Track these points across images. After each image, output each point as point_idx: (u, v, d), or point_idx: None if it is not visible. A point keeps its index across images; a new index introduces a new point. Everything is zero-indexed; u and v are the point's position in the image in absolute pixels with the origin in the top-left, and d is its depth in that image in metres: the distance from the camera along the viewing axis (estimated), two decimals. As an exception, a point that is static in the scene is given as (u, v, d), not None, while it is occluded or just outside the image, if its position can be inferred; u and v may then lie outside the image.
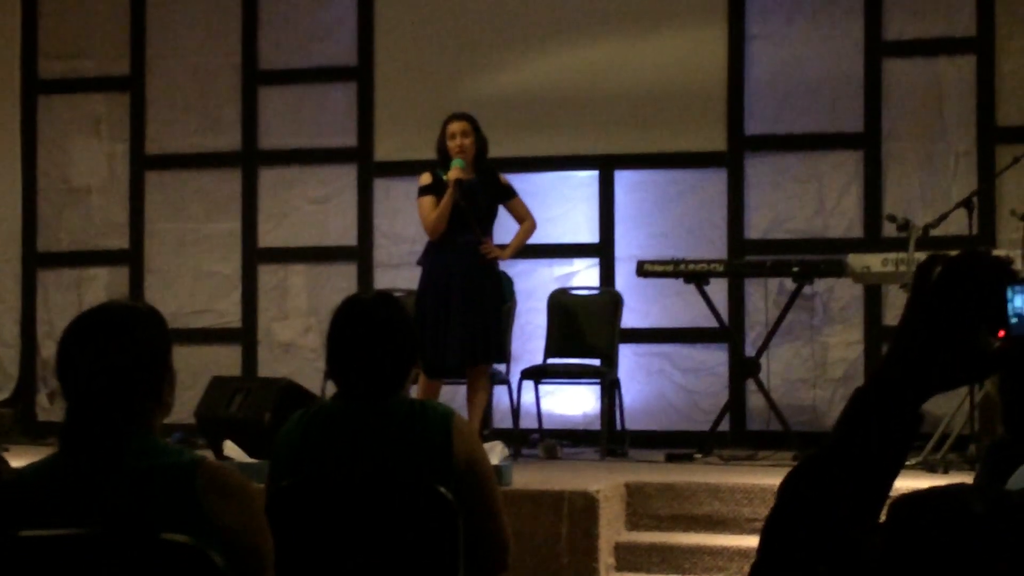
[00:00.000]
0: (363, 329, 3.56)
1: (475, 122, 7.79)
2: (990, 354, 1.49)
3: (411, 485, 3.41)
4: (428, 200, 7.69)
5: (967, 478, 5.62)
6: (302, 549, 3.40)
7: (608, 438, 8.62)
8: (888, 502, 1.45)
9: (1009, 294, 1.49)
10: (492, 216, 7.83)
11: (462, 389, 8.06)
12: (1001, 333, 1.48)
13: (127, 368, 2.71)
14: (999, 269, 1.49)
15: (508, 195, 7.92)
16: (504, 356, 8.17)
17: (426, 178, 7.76)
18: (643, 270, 8.69)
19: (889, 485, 1.48)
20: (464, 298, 7.59)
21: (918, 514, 1.34)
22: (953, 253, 1.54)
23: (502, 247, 7.89)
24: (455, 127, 7.72)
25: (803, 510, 1.49)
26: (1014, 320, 1.48)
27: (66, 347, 2.74)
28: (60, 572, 2.61)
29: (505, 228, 8.04)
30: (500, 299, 7.87)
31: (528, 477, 6.97)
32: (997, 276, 1.49)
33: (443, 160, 7.73)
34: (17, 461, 3.22)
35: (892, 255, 7.90)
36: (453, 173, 7.60)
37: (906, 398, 1.48)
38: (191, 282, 10.18)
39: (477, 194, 7.71)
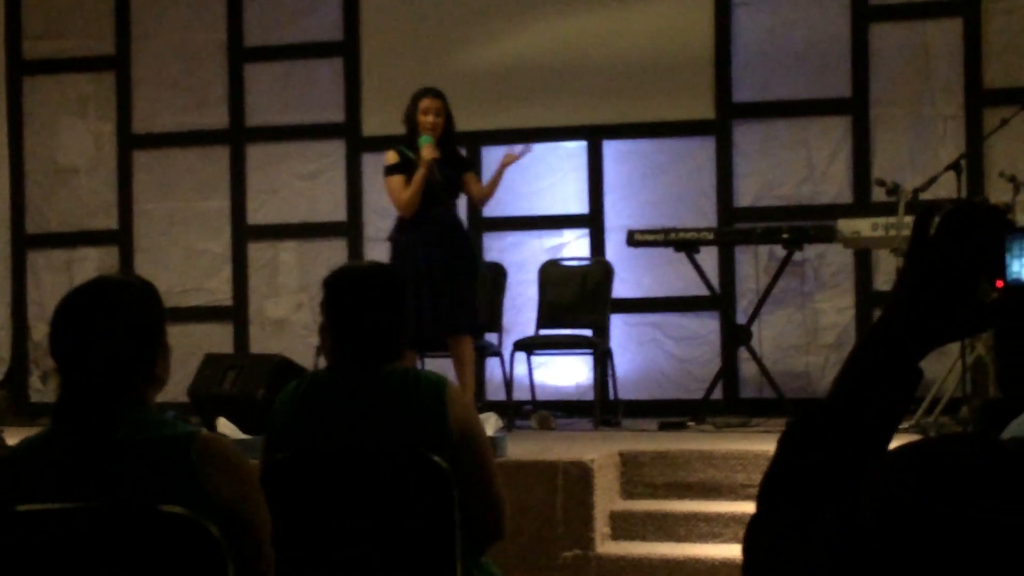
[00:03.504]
0: (356, 296, 3.57)
1: (446, 100, 7.77)
2: (989, 304, 1.48)
3: (406, 454, 3.42)
4: (398, 179, 7.67)
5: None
6: (298, 520, 3.41)
7: (601, 408, 8.63)
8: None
9: (1008, 243, 1.47)
10: (459, 188, 7.83)
11: (447, 363, 8.02)
12: (999, 283, 1.48)
13: (120, 342, 2.70)
14: (997, 218, 1.48)
15: (466, 167, 7.92)
16: (481, 326, 8.10)
17: (392, 156, 7.75)
18: (633, 240, 8.69)
19: (887, 440, 1.47)
20: (442, 270, 7.58)
21: (912, 464, 1.35)
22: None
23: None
24: (429, 103, 7.69)
25: (801, 465, 1.49)
26: (1013, 270, 1.47)
27: (59, 322, 2.73)
28: (58, 546, 2.61)
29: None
30: (475, 270, 7.85)
31: (522, 448, 6.98)
32: (996, 225, 1.48)
33: (411, 132, 7.71)
34: (12, 442, 3.22)
35: (882, 219, 7.91)
36: (428, 152, 7.58)
37: (905, 351, 1.48)
38: (181, 261, 10.17)
39: (445, 168, 7.70)
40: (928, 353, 1.50)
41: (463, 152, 7.97)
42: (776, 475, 1.52)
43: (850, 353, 1.52)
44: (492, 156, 9.46)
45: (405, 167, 7.65)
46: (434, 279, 7.57)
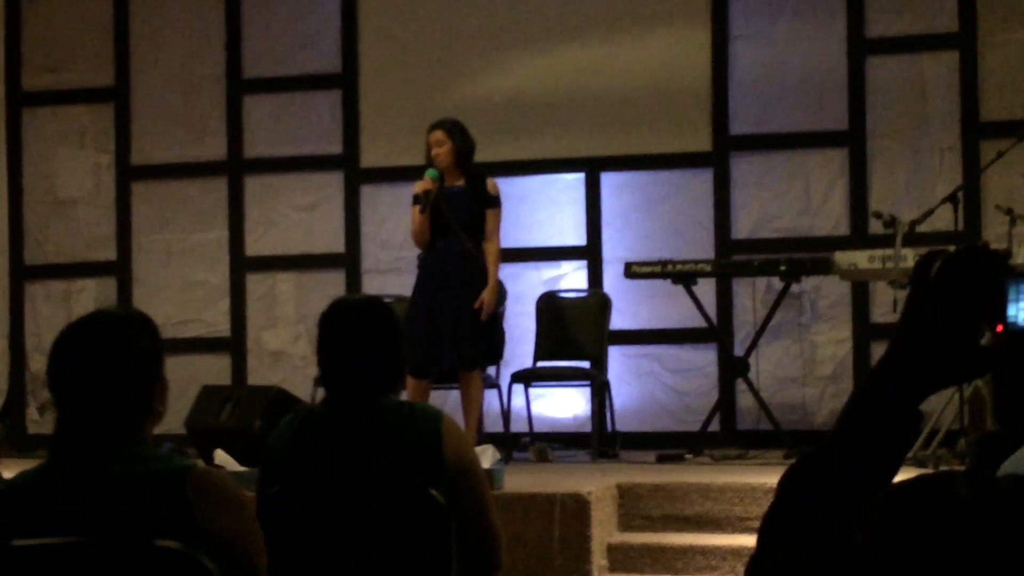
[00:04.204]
0: (351, 331, 3.57)
1: (453, 128, 7.78)
2: (989, 349, 1.49)
3: (402, 487, 3.41)
4: (415, 209, 7.74)
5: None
6: (294, 554, 3.40)
7: (599, 440, 8.62)
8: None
9: (1008, 288, 1.48)
10: (479, 220, 7.81)
11: (453, 394, 8.05)
12: (999, 328, 1.49)
13: (118, 377, 2.70)
14: (997, 263, 1.49)
15: (488, 204, 7.88)
16: (497, 359, 8.10)
17: (416, 186, 7.80)
18: (631, 271, 8.69)
19: (888, 482, 1.48)
20: (457, 302, 7.60)
21: (905, 501, 1.35)
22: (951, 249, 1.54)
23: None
24: (431, 137, 7.77)
25: (802, 504, 1.50)
26: (1012, 314, 1.48)
27: (57, 355, 2.74)
28: (53, 580, 2.61)
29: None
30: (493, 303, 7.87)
31: (520, 480, 6.97)
32: (997, 271, 1.49)
33: (430, 167, 7.77)
34: (8, 475, 3.21)
35: (879, 252, 7.91)
36: (419, 185, 7.66)
37: (906, 395, 1.49)
38: (179, 292, 10.17)
39: (458, 200, 7.71)
40: (928, 397, 1.51)
41: (495, 188, 7.87)
42: (777, 514, 1.53)
43: (850, 396, 1.53)
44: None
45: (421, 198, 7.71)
46: (442, 311, 7.59)
